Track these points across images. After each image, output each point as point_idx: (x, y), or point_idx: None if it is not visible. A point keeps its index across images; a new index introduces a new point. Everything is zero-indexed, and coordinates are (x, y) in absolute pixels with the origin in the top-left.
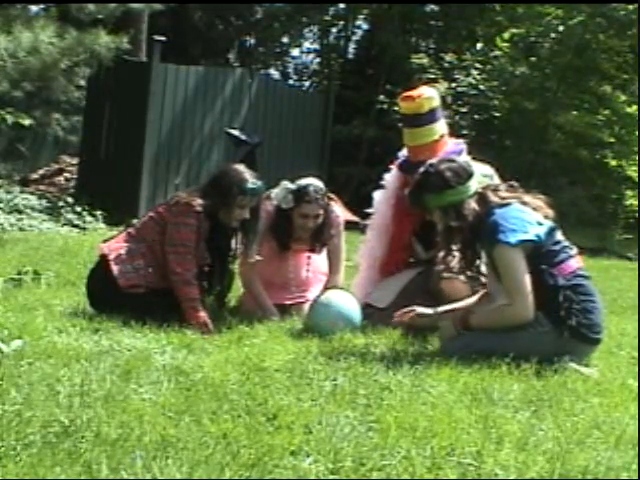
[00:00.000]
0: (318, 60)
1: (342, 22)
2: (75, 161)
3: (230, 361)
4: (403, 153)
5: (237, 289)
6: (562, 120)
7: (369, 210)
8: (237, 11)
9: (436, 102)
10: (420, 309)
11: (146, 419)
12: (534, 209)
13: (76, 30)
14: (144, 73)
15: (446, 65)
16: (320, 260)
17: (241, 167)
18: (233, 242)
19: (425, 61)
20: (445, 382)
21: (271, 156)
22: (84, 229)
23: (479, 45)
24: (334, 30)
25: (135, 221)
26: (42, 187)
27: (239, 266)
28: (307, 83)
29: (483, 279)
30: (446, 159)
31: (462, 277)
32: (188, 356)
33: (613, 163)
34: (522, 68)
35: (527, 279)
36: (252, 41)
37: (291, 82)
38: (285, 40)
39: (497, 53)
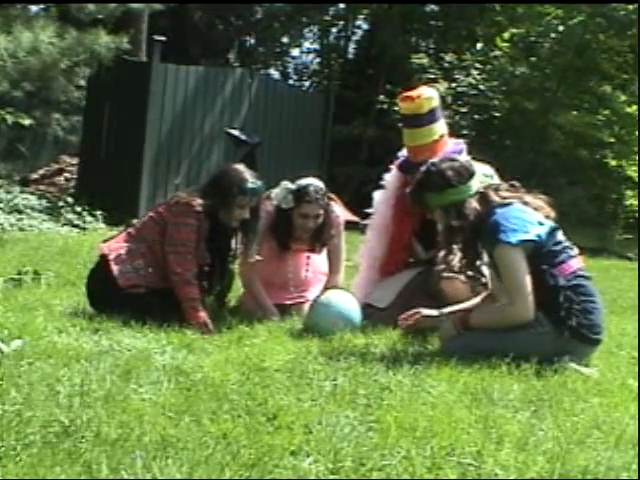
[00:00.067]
0: (318, 60)
1: (342, 22)
2: (75, 161)
3: (230, 361)
4: (403, 153)
5: (237, 289)
6: (562, 120)
7: (369, 210)
8: (237, 11)
9: (436, 102)
10: (425, 311)
11: (146, 419)
12: (535, 209)
13: (76, 30)
14: (144, 73)
15: (446, 65)
16: (320, 260)
17: (241, 167)
18: (233, 242)
19: (425, 61)
20: (445, 382)
21: (271, 156)
22: (84, 229)
23: (479, 45)
24: (334, 30)
25: (135, 221)
26: (42, 187)
27: (239, 266)
28: (307, 83)
29: (483, 279)
30: (448, 158)
31: (462, 277)
32: (188, 356)
33: (613, 163)
34: (522, 68)
35: (527, 279)
36: (252, 41)
37: (291, 82)
38: (285, 40)
39: (497, 53)
